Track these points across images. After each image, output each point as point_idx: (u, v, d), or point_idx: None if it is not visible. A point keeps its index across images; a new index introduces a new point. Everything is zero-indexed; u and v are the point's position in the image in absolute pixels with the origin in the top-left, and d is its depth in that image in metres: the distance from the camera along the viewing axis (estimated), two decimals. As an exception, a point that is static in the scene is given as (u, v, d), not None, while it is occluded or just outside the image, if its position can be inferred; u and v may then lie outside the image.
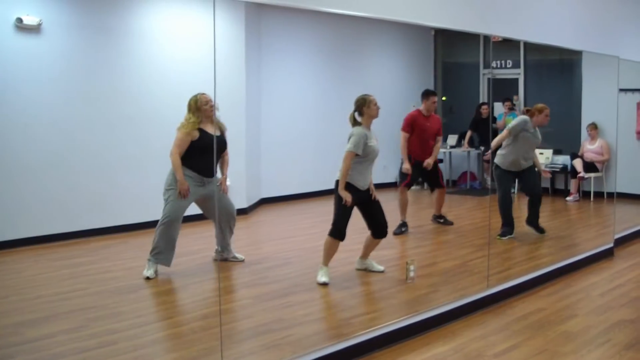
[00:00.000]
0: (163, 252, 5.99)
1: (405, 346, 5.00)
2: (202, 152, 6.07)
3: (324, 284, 5.94)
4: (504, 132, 7.83)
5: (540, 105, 7.90)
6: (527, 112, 7.94)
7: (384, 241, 6.37)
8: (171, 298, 5.97)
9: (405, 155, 8.02)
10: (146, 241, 6.02)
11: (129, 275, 6.15)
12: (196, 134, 6.06)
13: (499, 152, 7.90)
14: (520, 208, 7.99)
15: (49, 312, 5.14)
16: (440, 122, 8.40)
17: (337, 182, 6.00)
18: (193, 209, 6.30)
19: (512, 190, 8.12)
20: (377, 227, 6.26)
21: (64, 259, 6.37)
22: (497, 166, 7.90)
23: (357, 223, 6.15)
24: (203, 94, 6.10)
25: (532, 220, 8.15)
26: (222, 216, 6.37)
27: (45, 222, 6.32)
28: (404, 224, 8.04)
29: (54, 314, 5.11)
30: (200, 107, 6.09)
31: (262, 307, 5.42)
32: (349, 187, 5.97)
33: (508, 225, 7.83)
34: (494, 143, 7.95)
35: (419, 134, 8.08)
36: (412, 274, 6.03)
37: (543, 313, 5.79)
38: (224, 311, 4.80)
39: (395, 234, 7.86)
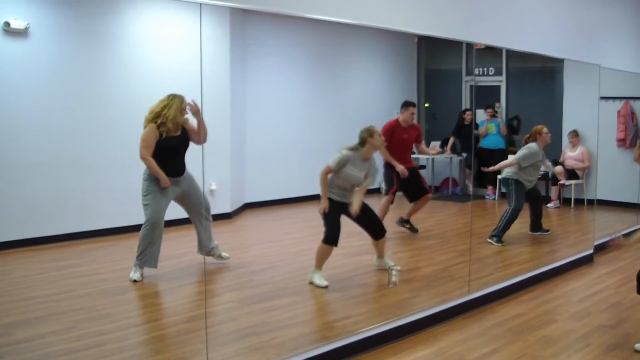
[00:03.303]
0: (148, 255, 6.01)
1: (388, 350, 5.08)
2: (166, 153, 6.11)
3: (325, 287, 6.02)
4: (513, 161, 8.06)
5: (537, 127, 8.19)
6: (528, 139, 8.12)
7: (366, 246, 6.46)
8: (158, 300, 6.01)
9: (392, 159, 7.77)
10: (133, 244, 6.04)
11: (116, 277, 6.17)
12: (158, 134, 6.08)
13: (512, 170, 8.13)
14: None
15: (38, 314, 5.17)
16: (420, 130, 8.31)
17: None
18: (179, 213, 6.36)
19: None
20: (371, 229, 6.40)
21: (52, 261, 6.38)
22: (517, 181, 8.05)
23: (344, 228, 6.22)
24: (188, 102, 6.07)
25: (537, 226, 8.49)
26: (198, 209, 6.41)
27: (33, 224, 6.32)
28: None
29: (43, 316, 5.13)
30: (181, 110, 6.12)
31: (247, 310, 5.48)
32: (329, 198, 6.11)
33: (503, 232, 7.98)
34: (499, 166, 8.40)
35: (397, 144, 7.85)
36: (394, 278, 6.10)
37: (523, 318, 5.88)
38: (209, 314, 4.84)
39: None
